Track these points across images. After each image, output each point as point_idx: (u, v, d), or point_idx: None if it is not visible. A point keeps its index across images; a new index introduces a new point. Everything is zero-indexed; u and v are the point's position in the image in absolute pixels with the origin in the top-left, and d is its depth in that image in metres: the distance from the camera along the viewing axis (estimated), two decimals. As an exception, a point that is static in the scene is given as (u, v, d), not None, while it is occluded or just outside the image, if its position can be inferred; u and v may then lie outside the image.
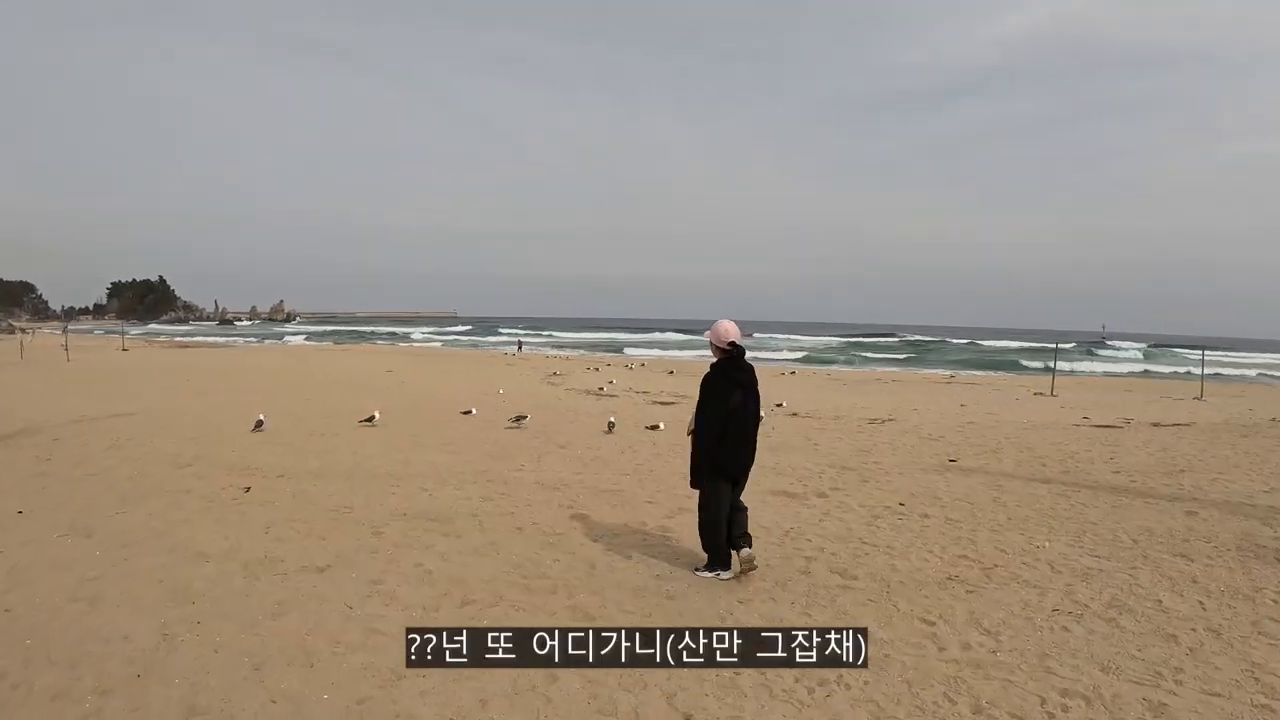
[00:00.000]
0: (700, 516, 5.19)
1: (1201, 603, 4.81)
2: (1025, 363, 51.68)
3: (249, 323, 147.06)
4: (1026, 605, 4.72)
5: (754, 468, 5.24)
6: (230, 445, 10.23)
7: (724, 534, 5.10)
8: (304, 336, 78.22)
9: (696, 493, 5.15)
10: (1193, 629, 4.37)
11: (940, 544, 6.06)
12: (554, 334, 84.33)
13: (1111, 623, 4.44)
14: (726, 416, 4.99)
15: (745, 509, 5.25)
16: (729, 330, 5.14)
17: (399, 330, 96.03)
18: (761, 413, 5.33)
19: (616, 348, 64.33)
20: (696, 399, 5.27)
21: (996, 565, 5.52)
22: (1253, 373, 46.40)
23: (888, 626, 4.33)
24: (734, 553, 5.13)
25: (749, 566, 5.06)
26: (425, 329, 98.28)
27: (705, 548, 5.22)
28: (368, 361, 32.66)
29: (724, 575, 5.14)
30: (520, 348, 56.49)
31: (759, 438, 5.36)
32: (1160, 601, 4.81)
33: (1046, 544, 6.10)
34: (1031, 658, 3.95)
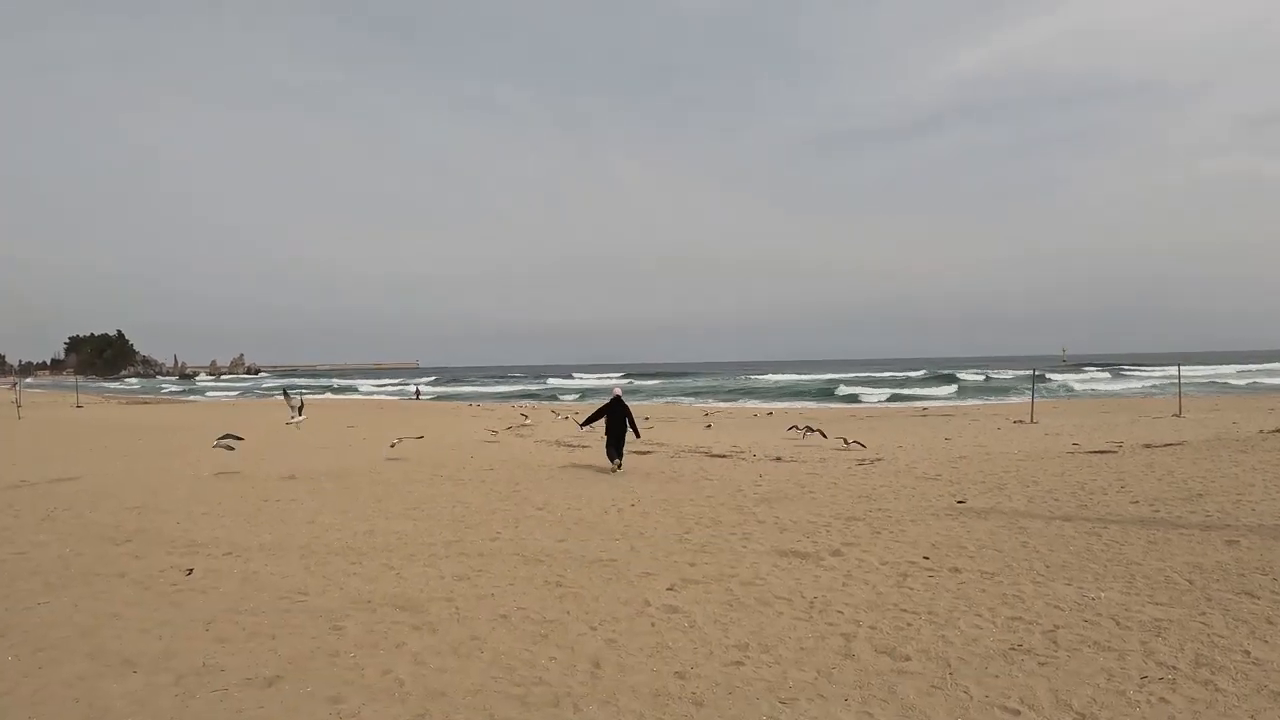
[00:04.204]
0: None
1: (1291, 648, 4.31)
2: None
3: (168, 379, 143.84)
4: (1110, 675, 4.12)
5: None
6: (175, 515, 9.29)
7: (610, 454, 13.07)
8: (236, 393, 76.35)
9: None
10: (1297, 682, 3.86)
11: (986, 604, 5.38)
12: (515, 385, 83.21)
13: (1209, 685, 3.95)
14: (608, 424, 13.23)
15: (622, 455, 13.15)
16: (615, 387, 14.31)
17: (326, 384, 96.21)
18: (637, 424, 13.68)
19: (580, 394, 63.72)
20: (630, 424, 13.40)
21: (1057, 626, 4.87)
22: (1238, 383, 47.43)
23: (967, 721, 3.59)
24: (617, 462, 12.99)
25: (617, 468, 12.90)
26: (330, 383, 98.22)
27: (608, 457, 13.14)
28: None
29: (615, 470, 12.82)
30: (418, 395, 62.98)
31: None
32: (1249, 653, 4.35)
33: (1101, 594, 5.50)
34: (1143, 746, 3.29)
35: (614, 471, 12.78)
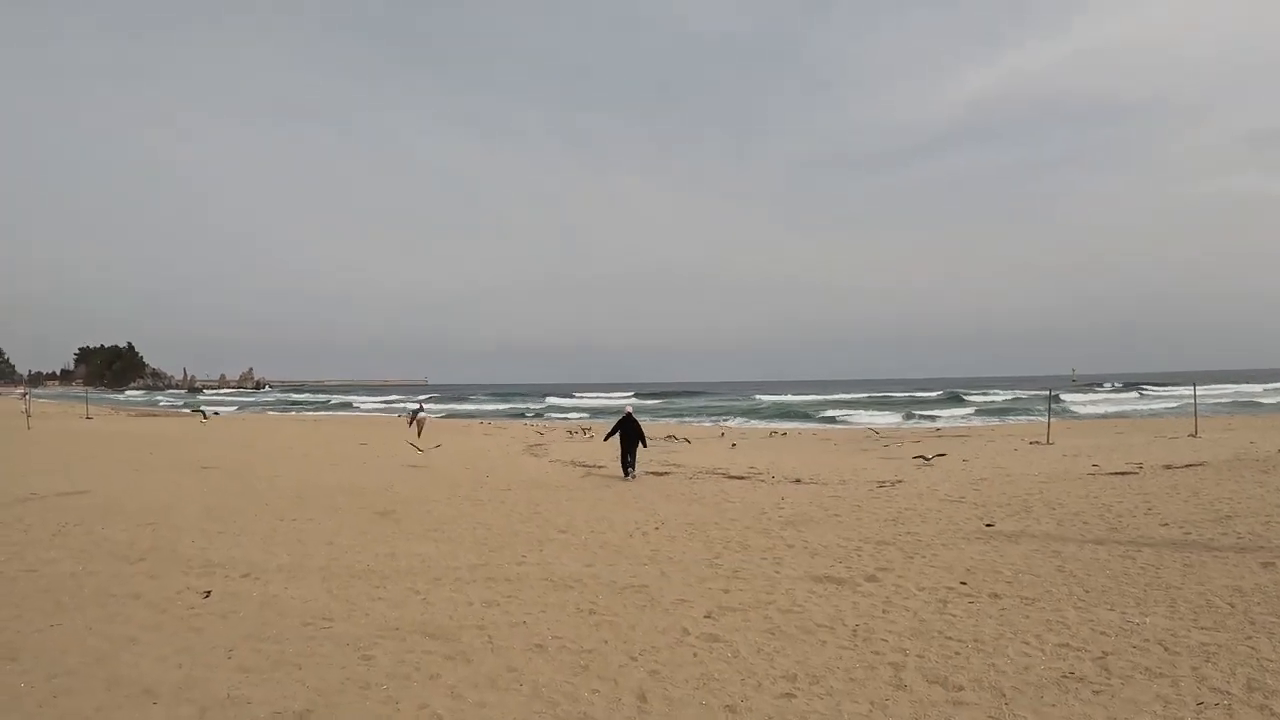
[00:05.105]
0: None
1: (1342, 672, 4.24)
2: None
3: (175, 391, 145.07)
4: (1167, 702, 4.04)
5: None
6: (189, 533, 9.14)
7: (624, 465, 15.61)
8: (234, 408, 76.70)
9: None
10: (1352, 707, 3.79)
11: (1033, 631, 5.27)
12: (519, 403, 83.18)
13: (1264, 710, 3.91)
14: (622, 435, 15.80)
15: (635, 462, 15.79)
16: (626, 406, 17.21)
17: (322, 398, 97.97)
18: (649, 439, 16.75)
19: (596, 413, 63.59)
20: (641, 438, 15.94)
21: (1106, 653, 4.76)
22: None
23: (1030, 755, 3.48)
24: (629, 471, 15.53)
25: (631, 476, 15.33)
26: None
27: (622, 468, 15.66)
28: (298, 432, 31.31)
29: (628, 478, 15.23)
30: (421, 411, 62.33)
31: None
32: (1300, 676, 4.28)
33: (1145, 619, 5.41)
34: (1211, 778, 3.20)
35: (625, 479, 15.41)
